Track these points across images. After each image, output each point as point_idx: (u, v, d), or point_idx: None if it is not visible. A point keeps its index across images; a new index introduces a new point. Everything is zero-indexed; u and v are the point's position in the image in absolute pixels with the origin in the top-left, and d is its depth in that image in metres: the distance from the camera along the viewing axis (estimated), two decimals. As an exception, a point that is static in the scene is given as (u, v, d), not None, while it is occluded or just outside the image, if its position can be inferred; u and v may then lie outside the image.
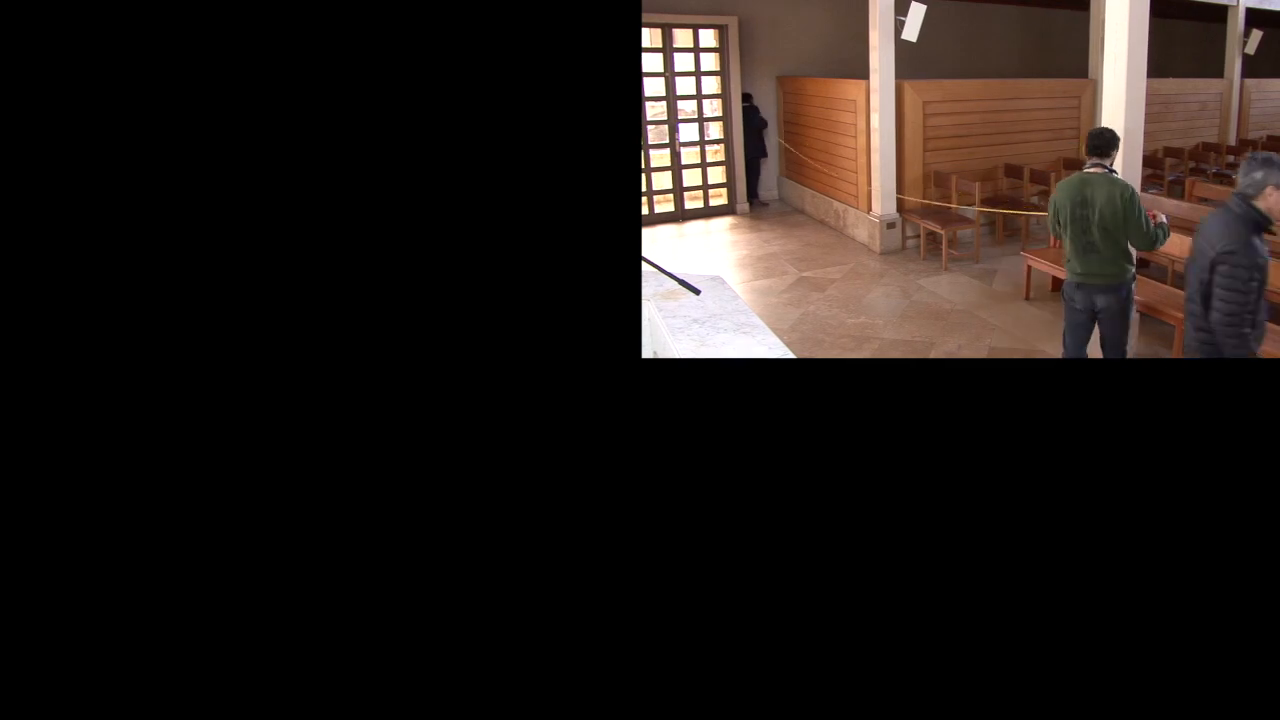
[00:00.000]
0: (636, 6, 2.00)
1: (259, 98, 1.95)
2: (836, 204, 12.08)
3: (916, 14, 9.34)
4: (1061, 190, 5.59)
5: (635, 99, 2.01)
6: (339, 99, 1.99)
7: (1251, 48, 14.27)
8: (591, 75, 2.00)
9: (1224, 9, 14.45)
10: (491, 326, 1.97)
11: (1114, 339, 5.68)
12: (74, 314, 1.89)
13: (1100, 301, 5.66)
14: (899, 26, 9.64)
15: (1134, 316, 5.73)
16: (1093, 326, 5.73)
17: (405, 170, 2.01)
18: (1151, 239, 5.47)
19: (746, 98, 12.71)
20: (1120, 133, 6.52)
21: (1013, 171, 11.33)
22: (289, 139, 1.94)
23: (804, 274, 10.08)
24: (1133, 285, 5.66)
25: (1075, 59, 12.92)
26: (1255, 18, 14.54)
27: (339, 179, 2.01)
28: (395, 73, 1.99)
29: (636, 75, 1.97)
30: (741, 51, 13.30)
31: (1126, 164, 6.65)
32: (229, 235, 1.95)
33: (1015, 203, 11.22)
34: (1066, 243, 5.60)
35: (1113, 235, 5.49)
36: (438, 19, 1.99)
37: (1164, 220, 5.40)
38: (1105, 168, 5.51)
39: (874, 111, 10.37)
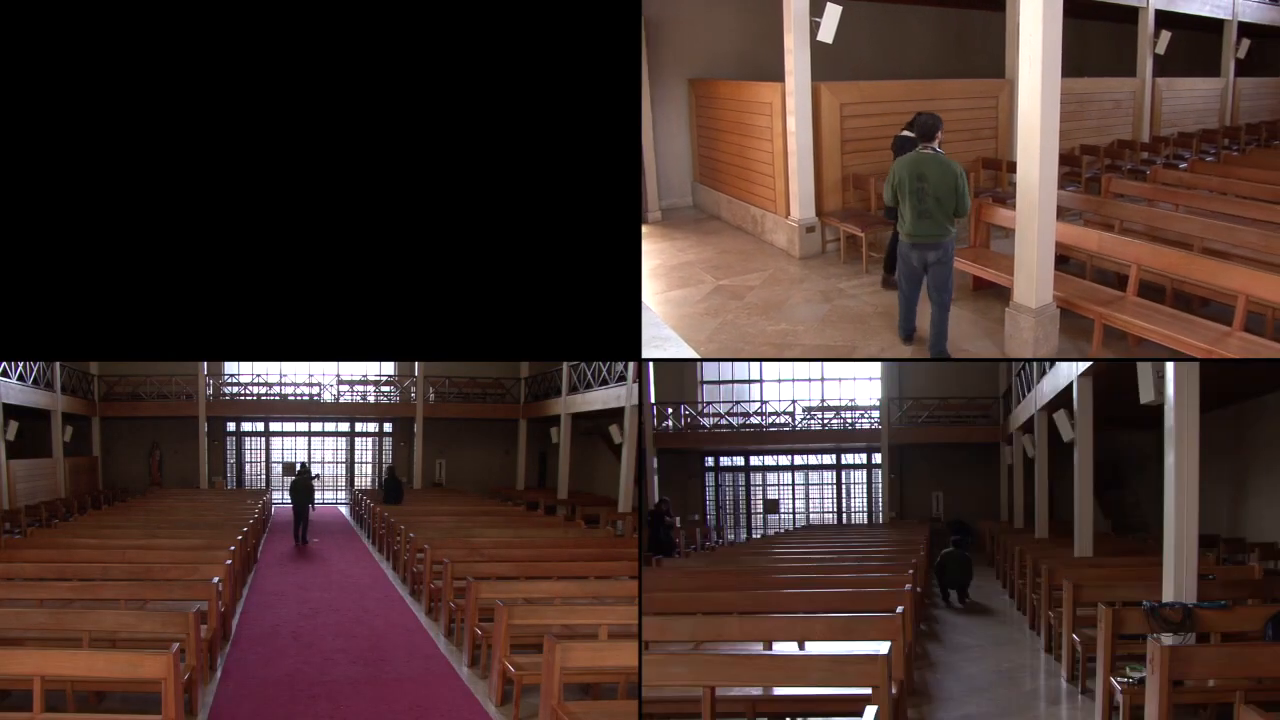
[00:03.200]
0: (637, 22, 2.04)
1: (275, 113, 1.97)
2: (754, 209, 11.88)
3: (832, 15, 9.09)
4: (901, 167, 6.97)
5: (635, 107, 2.04)
6: (348, 100, 2.01)
7: (1161, 48, 14.86)
8: (591, 86, 2.03)
9: (1135, 10, 14.78)
10: (493, 327, 1.99)
11: (939, 284, 7.04)
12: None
13: (931, 256, 6.99)
14: (814, 28, 9.37)
15: (954, 267, 7.20)
16: (924, 277, 7.09)
17: (411, 178, 2.03)
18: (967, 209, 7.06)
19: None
20: (1037, 130, 6.62)
21: (933, 172, 11.26)
22: (307, 157, 1.97)
23: (721, 282, 9.70)
24: (953, 242, 7.02)
25: (992, 59, 12.76)
26: (1164, 19, 15.03)
27: (347, 176, 2.03)
28: (400, 81, 2.02)
29: (636, 85, 2.00)
30: (649, 53, 12.71)
31: (1044, 162, 6.70)
32: (239, 248, 1.97)
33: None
34: (905, 209, 6.92)
35: (942, 204, 6.83)
36: (441, 37, 2.01)
37: None
38: (934, 149, 6.95)
39: (790, 114, 10.10)
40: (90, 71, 3.56)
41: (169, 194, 3.78)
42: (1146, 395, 6.84)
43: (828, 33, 9.23)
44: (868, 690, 4.64)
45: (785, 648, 6.23)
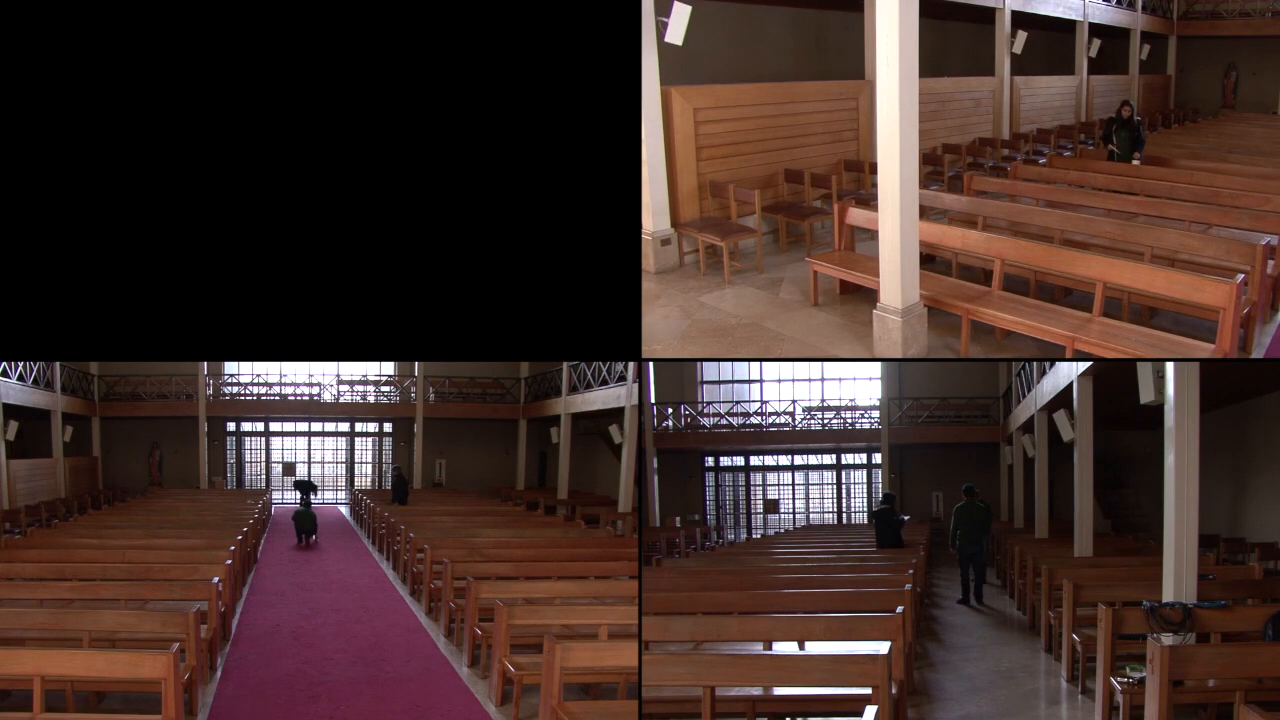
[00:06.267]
0: (638, 27, 2.04)
1: (276, 115, 1.98)
2: (603, 223, 11.66)
3: (680, 15, 8.60)
4: None
5: (635, 108, 2.05)
6: (348, 102, 2.02)
7: (1019, 47, 15.26)
8: (593, 95, 2.03)
9: (992, 11, 14.99)
10: (493, 327, 2.00)
11: None
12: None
13: None
14: (661, 28, 8.86)
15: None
16: None
17: (412, 179, 2.04)
18: None
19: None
20: (896, 131, 6.57)
21: (793, 177, 11.05)
22: (308, 159, 1.98)
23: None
24: None
25: (851, 61, 12.52)
26: (1020, 20, 15.43)
27: (347, 177, 2.04)
28: (400, 81, 2.03)
29: (637, 87, 2.00)
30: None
31: (904, 162, 6.69)
32: (239, 248, 1.98)
33: (797, 208, 10.75)
34: None
35: None
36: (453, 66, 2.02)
37: None
38: None
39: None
40: (91, 72, 3.57)
41: (169, 194, 3.78)
42: (1146, 395, 6.85)
43: (676, 34, 8.66)
44: (868, 690, 4.65)
45: (785, 648, 6.24)
